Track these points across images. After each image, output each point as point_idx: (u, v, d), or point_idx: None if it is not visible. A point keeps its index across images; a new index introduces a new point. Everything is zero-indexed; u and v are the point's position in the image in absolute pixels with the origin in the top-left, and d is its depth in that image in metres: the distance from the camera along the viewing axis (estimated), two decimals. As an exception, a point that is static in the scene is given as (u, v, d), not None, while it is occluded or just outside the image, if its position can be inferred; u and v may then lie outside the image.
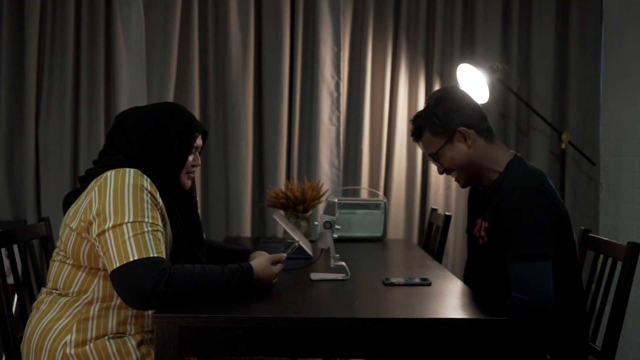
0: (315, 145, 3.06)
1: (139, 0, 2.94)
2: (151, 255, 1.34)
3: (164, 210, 1.49)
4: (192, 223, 1.61)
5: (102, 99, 2.95)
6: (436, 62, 3.12)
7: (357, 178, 3.10)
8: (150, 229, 1.38)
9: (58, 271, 1.49)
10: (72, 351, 1.40)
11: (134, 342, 1.45)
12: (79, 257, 1.44)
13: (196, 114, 3.01)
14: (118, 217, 1.36)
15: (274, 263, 1.53)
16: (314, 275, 1.69)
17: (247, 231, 3.05)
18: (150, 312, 1.48)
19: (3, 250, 1.72)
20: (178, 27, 2.99)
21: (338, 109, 3.08)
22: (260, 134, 3.11)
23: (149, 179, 1.45)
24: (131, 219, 1.36)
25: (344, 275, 1.69)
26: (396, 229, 3.14)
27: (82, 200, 1.44)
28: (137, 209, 1.38)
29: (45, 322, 1.45)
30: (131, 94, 2.96)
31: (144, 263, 1.32)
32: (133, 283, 1.31)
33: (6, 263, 1.69)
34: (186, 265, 1.39)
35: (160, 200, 1.47)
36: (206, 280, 1.37)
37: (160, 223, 1.43)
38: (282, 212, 2.63)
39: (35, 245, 2.19)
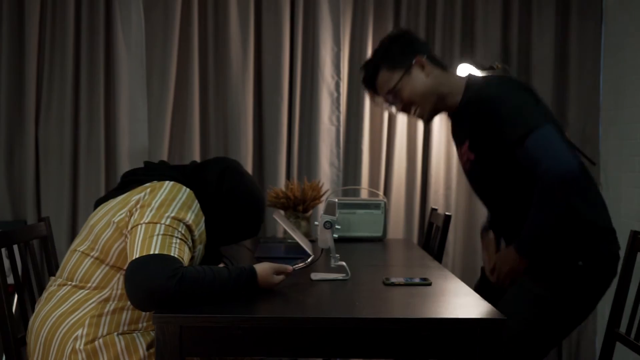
0: (315, 145, 3.06)
1: (139, 0, 2.94)
2: (171, 254, 1.35)
3: (204, 236, 1.53)
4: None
5: (102, 99, 2.95)
6: (436, 62, 3.11)
7: (357, 178, 3.10)
8: (180, 237, 1.41)
9: (77, 263, 1.48)
10: (82, 346, 1.40)
11: (142, 339, 1.46)
12: (110, 251, 1.45)
13: (196, 114, 3.01)
14: (156, 216, 1.39)
15: (278, 273, 1.52)
16: (314, 275, 1.69)
17: (247, 231, 3.04)
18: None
19: (3, 250, 1.72)
20: (178, 27, 2.99)
21: (338, 109, 3.08)
22: (260, 134, 3.11)
23: (199, 204, 1.51)
24: (167, 222, 1.40)
25: (344, 275, 1.69)
26: (396, 229, 3.14)
27: (130, 198, 1.47)
28: (178, 217, 1.42)
29: (57, 314, 1.44)
30: (131, 94, 2.97)
31: (161, 258, 1.34)
32: (145, 276, 1.31)
33: (6, 263, 1.69)
34: (196, 266, 1.40)
35: (202, 227, 1.52)
36: (214, 283, 1.38)
37: (190, 240, 1.46)
38: (282, 212, 2.63)
39: (35, 245, 2.19)
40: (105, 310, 1.44)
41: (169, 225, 1.39)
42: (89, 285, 1.46)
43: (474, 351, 1.27)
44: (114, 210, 1.47)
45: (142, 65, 2.97)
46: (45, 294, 1.53)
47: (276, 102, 3.04)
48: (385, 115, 3.12)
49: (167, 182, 1.49)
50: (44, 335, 1.43)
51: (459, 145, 1.82)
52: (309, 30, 3.08)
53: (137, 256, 1.34)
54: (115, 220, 1.45)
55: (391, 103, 1.81)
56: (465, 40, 3.13)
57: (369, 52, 3.09)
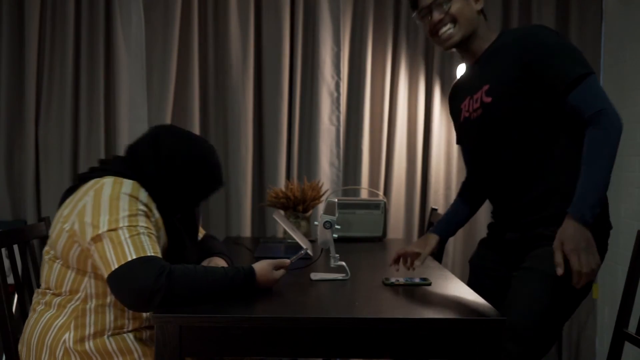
0: (315, 145, 3.06)
1: (139, 0, 2.95)
2: (148, 254, 1.34)
3: (160, 222, 1.51)
4: (190, 235, 1.64)
5: (102, 98, 2.95)
6: (436, 62, 3.12)
7: (357, 178, 3.10)
8: (145, 231, 1.40)
9: (49, 270, 1.49)
10: (72, 346, 1.41)
11: (133, 339, 1.46)
12: (68, 258, 1.45)
13: (196, 114, 3.01)
14: (112, 222, 1.37)
15: (277, 268, 1.52)
16: (314, 275, 1.69)
17: (247, 231, 3.05)
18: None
19: (3, 250, 1.72)
20: (178, 27, 2.99)
21: (338, 109, 3.08)
22: (260, 134, 3.11)
23: (146, 193, 1.47)
24: (126, 224, 1.37)
25: (344, 275, 1.69)
26: (396, 229, 3.14)
27: (77, 202, 1.44)
28: (131, 215, 1.40)
29: (43, 321, 1.45)
30: (131, 94, 2.97)
31: (142, 261, 1.32)
32: (133, 281, 1.30)
33: (6, 263, 1.70)
34: (187, 264, 1.39)
35: (156, 213, 1.49)
36: (207, 280, 1.37)
37: (154, 231, 1.45)
38: (282, 212, 2.63)
39: (35, 245, 2.19)
40: (87, 309, 1.44)
41: (129, 226, 1.37)
42: (64, 290, 1.47)
43: (474, 351, 1.27)
44: (64, 215, 1.46)
45: (142, 65, 2.97)
46: (32, 306, 1.54)
47: (276, 102, 3.04)
48: (386, 115, 3.12)
49: (106, 179, 1.45)
50: (35, 343, 1.44)
51: (470, 94, 1.75)
52: (309, 30, 3.08)
53: (116, 267, 1.32)
54: (67, 229, 1.43)
55: (434, 10, 1.72)
56: (465, 40, 3.13)
57: (369, 52, 3.09)
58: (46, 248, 1.52)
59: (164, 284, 1.29)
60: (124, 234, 1.36)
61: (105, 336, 1.44)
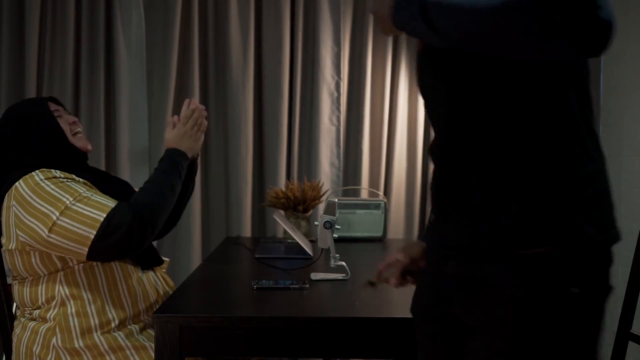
0: (315, 145, 3.06)
1: (139, 0, 2.95)
2: (111, 205, 1.39)
3: (88, 183, 1.50)
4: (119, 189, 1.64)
5: (102, 99, 2.95)
6: (436, 62, 3.11)
7: (357, 178, 3.10)
8: (90, 193, 1.41)
9: (20, 294, 1.49)
10: (61, 345, 1.42)
11: (123, 336, 1.46)
12: (34, 269, 1.44)
13: (196, 114, 3.01)
14: (58, 205, 1.36)
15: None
16: (314, 275, 1.69)
17: (247, 231, 3.05)
18: (126, 296, 1.50)
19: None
20: (178, 27, 2.99)
21: (338, 109, 3.08)
22: (260, 134, 3.11)
23: (58, 171, 1.46)
24: (70, 198, 1.38)
25: (344, 275, 1.69)
26: (396, 229, 3.14)
27: (6, 220, 1.43)
28: (67, 191, 1.39)
29: (28, 332, 1.46)
30: (131, 94, 2.97)
31: (111, 214, 1.37)
32: (115, 234, 1.36)
33: (6, 263, 1.69)
34: (137, 190, 1.50)
35: (80, 179, 1.48)
36: (155, 184, 1.50)
37: (93, 191, 1.46)
38: (282, 212, 2.62)
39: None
40: (69, 313, 1.44)
41: (75, 197, 1.38)
42: (40, 302, 1.47)
43: (474, 351, 1.27)
44: (5, 240, 1.45)
45: (142, 65, 2.97)
46: (15, 325, 1.55)
47: (276, 102, 3.04)
48: (386, 115, 3.12)
49: (15, 184, 1.42)
50: (24, 352, 1.45)
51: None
52: (309, 30, 3.08)
53: (94, 233, 1.35)
54: (13, 247, 1.42)
55: None
56: (466, 40, 3.13)
57: (369, 52, 3.09)
58: (12, 276, 1.52)
59: (137, 217, 1.38)
60: (77, 206, 1.37)
61: (95, 334, 1.44)
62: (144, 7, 2.97)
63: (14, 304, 2.08)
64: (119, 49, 2.93)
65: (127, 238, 1.37)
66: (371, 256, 2.26)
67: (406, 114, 3.12)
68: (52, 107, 1.58)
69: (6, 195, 1.44)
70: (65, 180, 1.43)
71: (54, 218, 1.35)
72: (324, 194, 2.71)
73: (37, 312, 1.47)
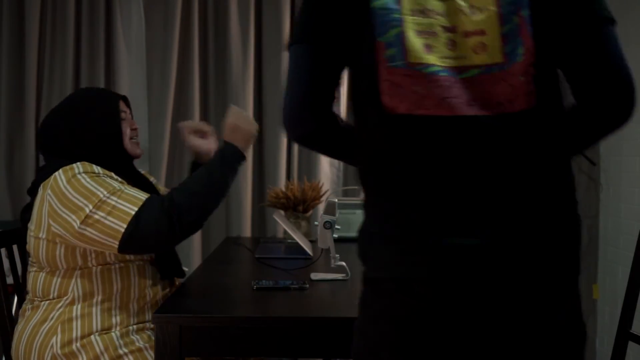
0: (315, 145, 3.05)
1: (139, 0, 2.95)
2: (143, 199, 1.38)
3: (125, 182, 1.50)
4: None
5: (102, 99, 2.95)
6: (436, 62, 3.11)
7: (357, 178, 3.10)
8: (123, 187, 1.41)
9: (34, 281, 1.49)
10: (59, 351, 1.41)
11: (119, 335, 1.45)
12: (56, 261, 1.44)
13: (196, 113, 3.01)
14: (92, 199, 1.37)
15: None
16: (314, 275, 1.69)
17: (247, 231, 3.05)
18: (134, 304, 1.49)
19: (3, 250, 1.71)
20: (178, 27, 2.99)
21: (338, 109, 3.08)
22: (260, 134, 3.11)
23: (99, 167, 1.47)
24: (104, 192, 1.38)
25: (344, 275, 1.69)
26: (396, 229, 3.13)
27: (39, 210, 1.43)
28: (102, 184, 1.40)
29: (30, 327, 1.45)
30: (131, 94, 2.97)
31: (144, 207, 1.36)
32: (149, 226, 1.35)
33: (6, 263, 1.69)
34: (177, 188, 1.44)
35: (116, 176, 1.49)
36: (198, 180, 1.43)
37: (125, 183, 1.46)
38: (282, 212, 2.62)
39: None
40: (74, 314, 1.44)
41: (109, 191, 1.38)
42: (51, 296, 1.47)
43: (474, 351, 1.27)
44: (33, 229, 1.46)
45: (142, 65, 2.97)
46: (20, 312, 1.54)
47: (276, 102, 3.04)
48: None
49: (54, 174, 1.43)
50: (23, 349, 1.45)
51: None
52: (309, 30, 3.08)
53: (125, 227, 1.35)
54: (43, 237, 1.43)
55: None
56: (466, 40, 3.13)
57: (369, 52, 3.09)
58: (30, 261, 1.52)
59: (174, 213, 1.36)
60: (111, 199, 1.37)
61: (92, 336, 1.44)
62: (144, 7, 2.97)
63: (14, 305, 2.08)
64: (119, 49, 2.93)
65: (156, 233, 1.35)
66: (371, 256, 2.26)
67: (406, 114, 3.13)
68: (123, 106, 1.59)
69: (43, 184, 1.45)
70: (102, 175, 1.43)
71: (87, 211, 1.35)
72: (324, 194, 2.71)
73: (45, 303, 1.47)
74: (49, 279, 1.47)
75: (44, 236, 1.43)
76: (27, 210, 1.52)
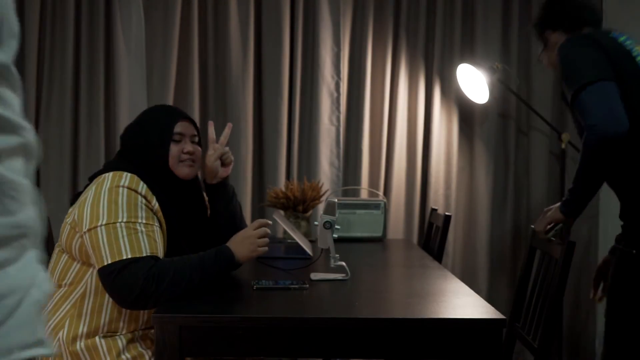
0: (315, 145, 3.06)
1: (139, 0, 2.95)
2: (143, 255, 1.38)
3: (160, 213, 1.51)
4: (194, 221, 1.63)
5: (102, 99, 2.95)
6: (436, 62, 3.11)
7: (357, 178, 3.10)
8: (144, 229, 1.41)
9: (56, 261, 1.52)
10: (65, 346, 1.42)
11: (124, 342, 1.46)
12: (72, 249, 1.48)
13: (196, 114, 3.01)
14: (112, 216, 1.40)
15: (261, 235, 1.58)
16: (314, 275, 1.69)
17: (247, 231, 3.04)
18: (144, 313, 1.50)
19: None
20: (178, 27, 2.99)
21: (338, 109, 3.08)
22: (260, 134, 3.11)
23: (145, 185, 1.48)
24: (125, 219, 1.40)
25: (344, 275, 1.69)
26: (396, 229, 3.14)
27: (81, 198, 1.49)
28: (130, 209, 1.42)
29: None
30: (131, 94, 2.97)
31: (134, 261, 1.36)
32: (122, 282, 1.35)
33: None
34: (165, 259, 1.43)
35: (156, 204, 1.50)
36: (185, 269, 1.41)
37: (155, 223, 1.47)
38: (282, 212, 2.62)
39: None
40: (84, 310, 1.45)
41: (128, 222, 1.40)
42: (65, 282, 1.49)
43: (474, 351, 1.27)
44: (69, 213, 1.52)
45: (142, 65, 2.97)
46: None
47: (276, 102, 3.04)
48: (386, 115, 3.12)
49: (107, 174, 1.48)
50: None
51: None
52: (309, 30, 3.08)
53: (109, 262, 1.36)
54: (69, 221, 1.49)
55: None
56: (465, 40, 3.13)
57: (369, 52, 3.09)
58: (57, 244, 1.56)
59: (151, 290, 1.34)
60: (121, 230, 1.38)
61: (97, 337, 1.44)
62: (144, 7, 2.97)
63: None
64: (119, 49, 2.93)
65: (128, 293, 1.35)
66: (371, 256, 2.27)
67: (406, 114, 3.12)
68: (182, 128, 1.60)
69: (96, 178, 1.51)
70: (140, 200, 1.45)
71: (99, 223, 1.39)
72: (323, 194, 2.71)
73: (61, 291, 1.48)
74: (69, 262, 1.50)
75: (69, 220, 1.48)
76: (77, 197, 1.58)
